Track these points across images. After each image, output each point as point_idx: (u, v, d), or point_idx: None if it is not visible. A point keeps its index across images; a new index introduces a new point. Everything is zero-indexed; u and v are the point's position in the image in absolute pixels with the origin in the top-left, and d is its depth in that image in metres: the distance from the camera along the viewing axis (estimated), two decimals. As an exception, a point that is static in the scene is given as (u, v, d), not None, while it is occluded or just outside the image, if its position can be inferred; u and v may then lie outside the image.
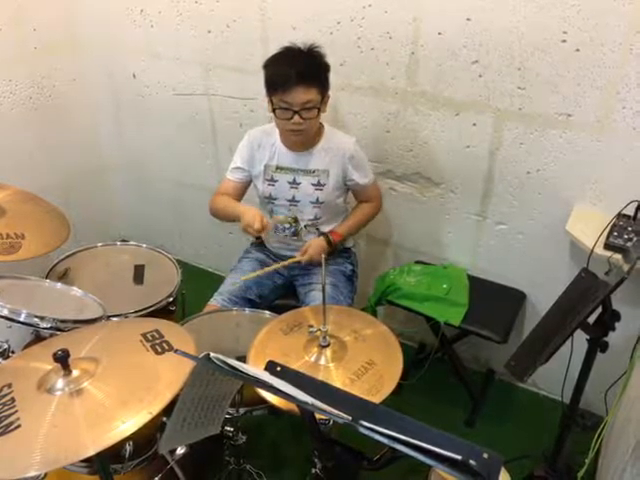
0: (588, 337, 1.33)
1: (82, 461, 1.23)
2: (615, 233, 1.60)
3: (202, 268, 2.93)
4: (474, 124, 1.84)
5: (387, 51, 1.86)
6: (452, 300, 1.93)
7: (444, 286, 1.98)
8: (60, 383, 1.07)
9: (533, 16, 1.59)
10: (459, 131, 1.88)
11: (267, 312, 1.69)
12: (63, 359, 1.06)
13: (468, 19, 1.69)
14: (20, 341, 1.51)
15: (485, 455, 0.71)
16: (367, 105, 2.00)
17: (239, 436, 1.57)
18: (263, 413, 1.46)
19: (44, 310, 1.44)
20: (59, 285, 1.66)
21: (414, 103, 1.90)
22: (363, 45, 1.89)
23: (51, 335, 1.42)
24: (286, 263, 1.82)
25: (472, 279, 2.04)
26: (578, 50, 1.58)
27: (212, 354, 0.88)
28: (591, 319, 1.27)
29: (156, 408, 1.02)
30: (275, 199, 1.84)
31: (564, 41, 1.58)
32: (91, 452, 0.94)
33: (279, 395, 0.85)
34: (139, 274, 1.89)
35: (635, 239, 1.56)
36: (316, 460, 1.49)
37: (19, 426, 0.99)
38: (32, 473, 0.91)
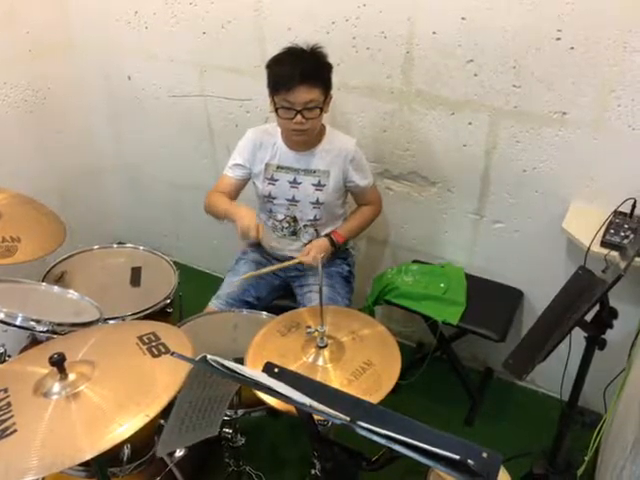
0: (586, 335, 1.33)
1: (80, 465, 1.22)
2: (612, 230, 1.60)
3: (199, 269, 2.93)
4: (470, 123, 1.84)
5: (382, 51, 1.86)
6: (450, 299, 1.93)
7: (442, 285, 1.97)
8: (56, 387, 1.06)
9: (527, 14, 1.59)
10: (455, 130, 1.88)
11: (264, 313, 1.69)
12: (59, 363, 1.06)
13: (463, 18, 1.69)
14: (16, 345, 1.50)
15: (484, 454, 0.71)
16: (363, 105, 1.99)
17: (238, 438, 1.56)
18: (262, 414, 1.46)
19: (40, 313, 1.44)
20: (55, 288, 1.65)
21: (410, 102, 1.90)
22: (358, 45, 1.89)
23: (47, 339, 1.41)
24: (289, 264, 1.81)
25: (470, 278, 2.04)
26: (573, 48, 1.58)
27: (209, 356, 0.87)
28: (589, 317, 1.27)
29: (153, 411, 1.01)
30: (274, 198, 1.84)
31: (558, 39, 1.58)
32: (88, 456, 0.94)
33: (277, 397, 0.85)
34: (136, 276, 1.88)
35: (631, 236, 1.56)
36: (315, 461, 1.49)
37: (15, 431, 0.98)
38: (29, 478, 0.90)
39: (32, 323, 1.41)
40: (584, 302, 1.23)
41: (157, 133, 2.58)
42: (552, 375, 1.71)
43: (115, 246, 2.08)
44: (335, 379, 1.28)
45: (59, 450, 0.94)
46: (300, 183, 1.80)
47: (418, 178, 2.04)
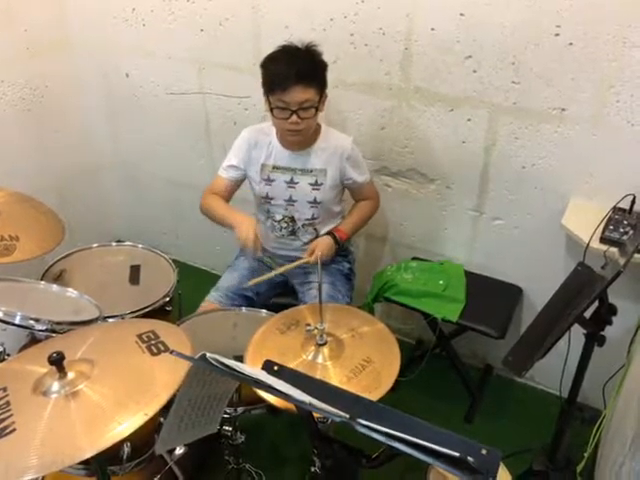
0: (585, 331, 1.33)
1: (79, 463, 1.22)
2: (611, 227, 1.60)
3: (198, 267, 2.92)
4: (469, 119, 1.84)
5: (380, 47, 1.85)
6: (449, 296, 1.93)
7: (441, 282, 1.97)
8: (56, 386, 1.06)
9: (526, 10, 1.59)
10: (454, 127, 1.87)
11: (264, 311, 1.69)
12: (58, 361, 1.06)
13: (462, 14, 1.68)
14: (15, 344, 1.50)
15: (483, 451, 0.71)
16: (361, 102, 1.99)
17: (238, 435, 1.56)
18: (261, 412, 1.45)
19: (39, 312, 1.43)
20: (54, 287, 1.65)
21: (408, 99, 1.90)
22: (356, 41, 1.88)
23: (47, 337, 1.41)
24: (295, 265, 1.76)
25: (469, 275, 2.04)
26: (572, 44, 1.58)
27: (208, 354, 0.87)
28: (588, 313, 1.27)
29: (152, 409, 1.01)
30: (272, 199, 1.83)
31: (557, 35, 1.58)
32: (88, 454, 0.94)
33: (276, 395, 0.85)
34: (135, 274, 1.88)
35: (631, 232, 1.56)
36: (315, 458, 1.49)
37: (15, 430, 0.98)
38: (29, 477, 0.90)
39: (31, 322, 1.41)
40: (583, 298, 1.23)
41: (155, 131, 2.57)
42: (551, 372, 1.71)
43: (114, 244, 2.08)
44: (335, 376, 1.28)
45: (59, 449, 0.94)
46: (297, 183, 1.79)
47: (417, 175, 2.04)
